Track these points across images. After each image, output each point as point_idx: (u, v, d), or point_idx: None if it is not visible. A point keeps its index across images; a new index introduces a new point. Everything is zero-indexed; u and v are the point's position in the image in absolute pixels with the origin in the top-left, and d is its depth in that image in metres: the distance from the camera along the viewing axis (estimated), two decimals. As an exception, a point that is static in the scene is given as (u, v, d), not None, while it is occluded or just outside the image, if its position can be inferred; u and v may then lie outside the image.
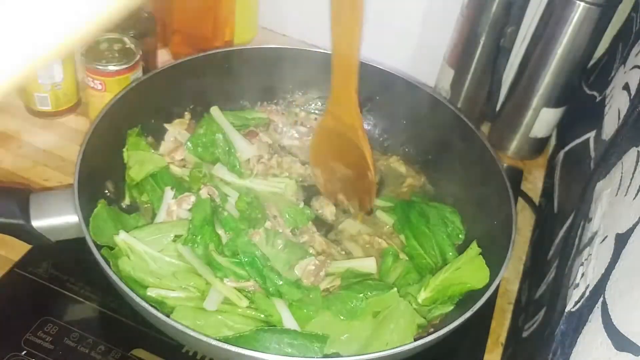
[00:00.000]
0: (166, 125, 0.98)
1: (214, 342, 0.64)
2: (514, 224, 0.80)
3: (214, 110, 0.98)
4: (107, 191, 0.88)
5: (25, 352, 0.74)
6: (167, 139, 0.98)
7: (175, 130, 0.98)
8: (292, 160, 1.00)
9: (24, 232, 0.76)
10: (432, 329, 0.79)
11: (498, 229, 0.83)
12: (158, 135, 0.98)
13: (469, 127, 0.95)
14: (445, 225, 0.91)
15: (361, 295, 0.76)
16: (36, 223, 0.75)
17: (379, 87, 1.06)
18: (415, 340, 0.71)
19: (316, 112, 1.10)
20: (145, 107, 0.96)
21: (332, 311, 0.76)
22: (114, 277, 0.69)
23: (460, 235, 0.91)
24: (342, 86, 0.84)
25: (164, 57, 1.20)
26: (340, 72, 0.83)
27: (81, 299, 0.81)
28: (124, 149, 0.90)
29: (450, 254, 0.87)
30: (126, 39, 1.01)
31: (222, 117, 0.97)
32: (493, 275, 0.77)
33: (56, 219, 0.76)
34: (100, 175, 0.87)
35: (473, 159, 0.94)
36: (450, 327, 0.70)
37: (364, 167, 0.87)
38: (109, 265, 0.71)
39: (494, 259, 0.78)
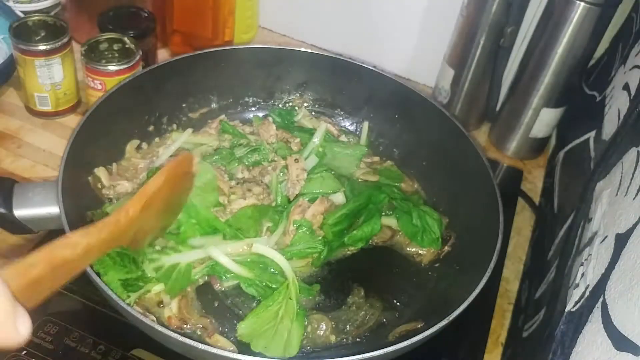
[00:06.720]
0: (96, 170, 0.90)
1: (199, 345, 0.65)
2: (500, 234, 0.80)
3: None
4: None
5: (25, 352, 0.74)
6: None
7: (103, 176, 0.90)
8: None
9: (6, 221, 0.76)
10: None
11: (486, 237, 0.82)
12: (150, 139, 0.99)
13: (463, 134, 0.94)
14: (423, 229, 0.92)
15: None
16: (18, 212, 0.75)
17: (375, 91, 1.06)
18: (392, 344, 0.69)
19: (312, 113, 1.10)
20: (140, 104, 0.96)
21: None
22: (95, 277, 0.69)
23: (435, 242, 0.91)
24: None
25: (164, 57, 1.20)
26: None
27: (81, 299, 0.81)
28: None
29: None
30: (126, 39, 1.01)
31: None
32: (475, 282, 0.75)
33: (38, 209, 0.76)
34: (85, 170, 0.88)
35: (465, 166, 0.93)
36: (424, 334, 0.69)
37: None
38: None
39: (480, 265, 0.78)
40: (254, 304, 0.81)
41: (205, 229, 0.83)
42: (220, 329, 0.79)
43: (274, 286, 0.80)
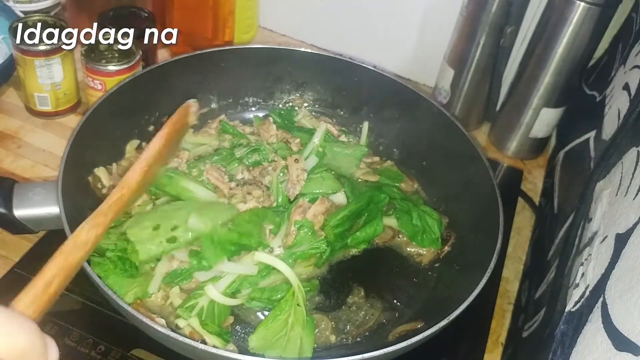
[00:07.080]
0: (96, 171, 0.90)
1: (196, 345, 0.65)
2: (500, 234, 0.80)
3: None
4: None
5: (25, 352, 0.74)
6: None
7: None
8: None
9: (7, 221, 0.76)
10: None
11: (486, 237, 0.83)
12: (150, 139, 0.98)
13: (463, 134, 0.94)
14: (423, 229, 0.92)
15: None
16: (18, 212, 0.76)
17: (375, 91, 1.06)
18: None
19: (312, 113, 1.10)
20: (140, 104, 0.96)
21: None
22: (92, 274, 0.70)
23: (435, 242, 0.92)
24: None
25: (164, 57, 1.20)
26: None
27: (81, 299, 0.81)
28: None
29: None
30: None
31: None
32: (475, 282, 0.75)
33: (38, 209, 0.76)
34: (85, 170, 0.88)
35: (465, 166, 0.93)
36: (424, 334, 0.69)
37: None
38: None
39: (480, 266, 0.78)
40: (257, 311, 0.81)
41: (227, 249, 0.81)
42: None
43: (278, 296, 0.80)
